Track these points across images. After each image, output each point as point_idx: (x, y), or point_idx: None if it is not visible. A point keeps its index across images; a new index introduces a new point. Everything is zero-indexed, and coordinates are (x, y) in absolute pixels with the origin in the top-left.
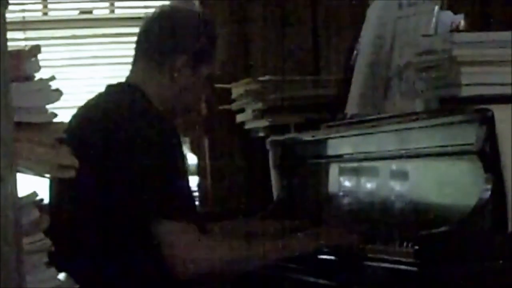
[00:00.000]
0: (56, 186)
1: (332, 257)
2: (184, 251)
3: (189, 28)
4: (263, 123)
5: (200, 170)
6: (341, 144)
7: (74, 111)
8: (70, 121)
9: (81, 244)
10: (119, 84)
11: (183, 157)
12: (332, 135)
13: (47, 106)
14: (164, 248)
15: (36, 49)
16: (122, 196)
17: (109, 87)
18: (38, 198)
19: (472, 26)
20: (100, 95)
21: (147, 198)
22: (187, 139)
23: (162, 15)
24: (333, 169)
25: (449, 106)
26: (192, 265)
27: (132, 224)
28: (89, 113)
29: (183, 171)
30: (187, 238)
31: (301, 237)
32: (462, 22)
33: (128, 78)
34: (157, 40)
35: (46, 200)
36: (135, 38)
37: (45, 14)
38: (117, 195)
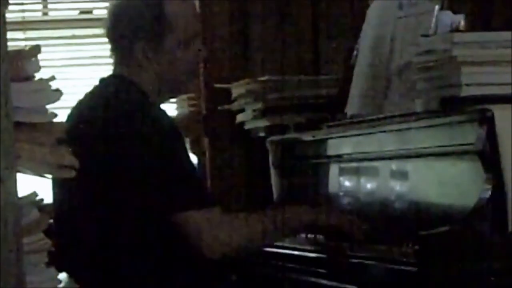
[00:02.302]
0: (61, 186)
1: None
2: (216, 234)
3: (129, 14)
4: (263, 123)
5: (200, 170)
6: (341, 144)
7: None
8: (68, 119)
9: (88, 240)
10: (110, 76)
11: (184, 142)
12: (332, 135)
13: (47, 106)
14: (196, 237)
15: (36, 49)
16: (130, 190)
17: (102, 80)
18: (38, 198)
19: (472, 26)
20: (93, 90)
21: (164, 192)
22: (187, 139)
23: (109, 9)
24: (333, 169)
25: (449, 106)
26: (225, 245)
27: (141, 217)
28: (85, 109)
29: (188, 157)
30: (215, 222)
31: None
32: (462, 22)
33: (114, 70)
34: (112, 34)
35: (46, 200)
36: None
37: (45, 14)
38: (124, 189)
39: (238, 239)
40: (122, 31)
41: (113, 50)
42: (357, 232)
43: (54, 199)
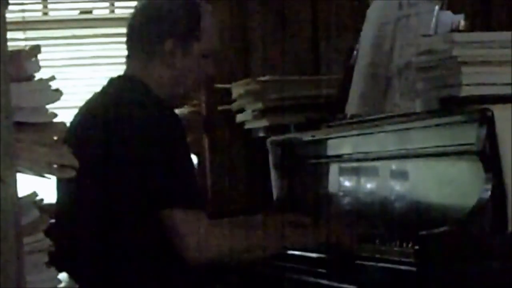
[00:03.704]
0: (64, 184)
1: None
2: (197, 237)
3: (169, 11)
4: (263, 123)
5: (200, 170)
6: (341, 144)
7: (74, 111)
8: (75, 117)
9: (90, 239)
10: (119, 77)
11: (187, 144)
12: (332, 135)
13: (47, 106)
14: (176, 236)
15: (36, 49)
16: (131, 188)
17: (111, 80)
18: (38, 198)
19: (472, 26)
20: (102, 90)
21: (157, 188)
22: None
23: (143, 5)
24: (333, 169)
25: (449, 106)
26: (204, 250)
27: (140, 215)
28: (92, 108)
29: (189, 159)
30: (199, 225)
31: (302, 231)
32: (462, 22)
33: (125, 71)
34: (142, 30)
35: (46, 200)
36: None
37: (45, 14)
38: (126, 187)
39: (219, 248)
40: (155, 27)
41: (134, 47)
42: (347, 244)
43: (58, 198)
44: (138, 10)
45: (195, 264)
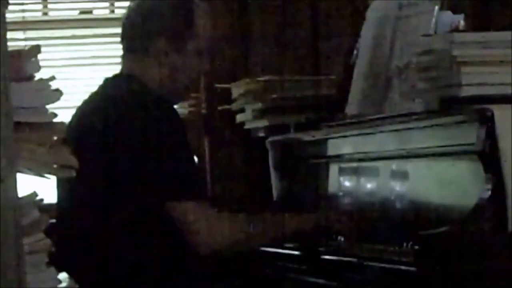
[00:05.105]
0: (64, 184)
1: (333, 257)
2: (206, 227)
3: (161, 9)
4: (263, 123)
5: (200, 170)
6: (341, 144)
7: (74, 111)
8: (73, 118)
9: (90, 239)
10: (115, 76)
11: (187, 137)
12: (332, 135)
13: (47, 106)
14: (184, 227)
15: (36, 49)
16: (133, 185)
17: (106, 80)
18: (38, 198)
19: (472, 26)
20: (98, 90)
21: (162, 183)
22: None
23: (136, 4)
24: (333, 169)
25: (449, 106)
26: (214, 239)
27: (142, 213)
28: (90, 107)
29: (189, 151)
30: (207, 215)
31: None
32: (462, 22)
33: (122, 70)
34: (135, 28)
35: (46, 200)
36: None
37: (45, 14)
38: (128, 185)
39: (225, 236)
40: (147, 25)
41: (128, 46)
42: (345, 229)
43: (58, 198)
44: (132, 9)
45: (205, 254)
